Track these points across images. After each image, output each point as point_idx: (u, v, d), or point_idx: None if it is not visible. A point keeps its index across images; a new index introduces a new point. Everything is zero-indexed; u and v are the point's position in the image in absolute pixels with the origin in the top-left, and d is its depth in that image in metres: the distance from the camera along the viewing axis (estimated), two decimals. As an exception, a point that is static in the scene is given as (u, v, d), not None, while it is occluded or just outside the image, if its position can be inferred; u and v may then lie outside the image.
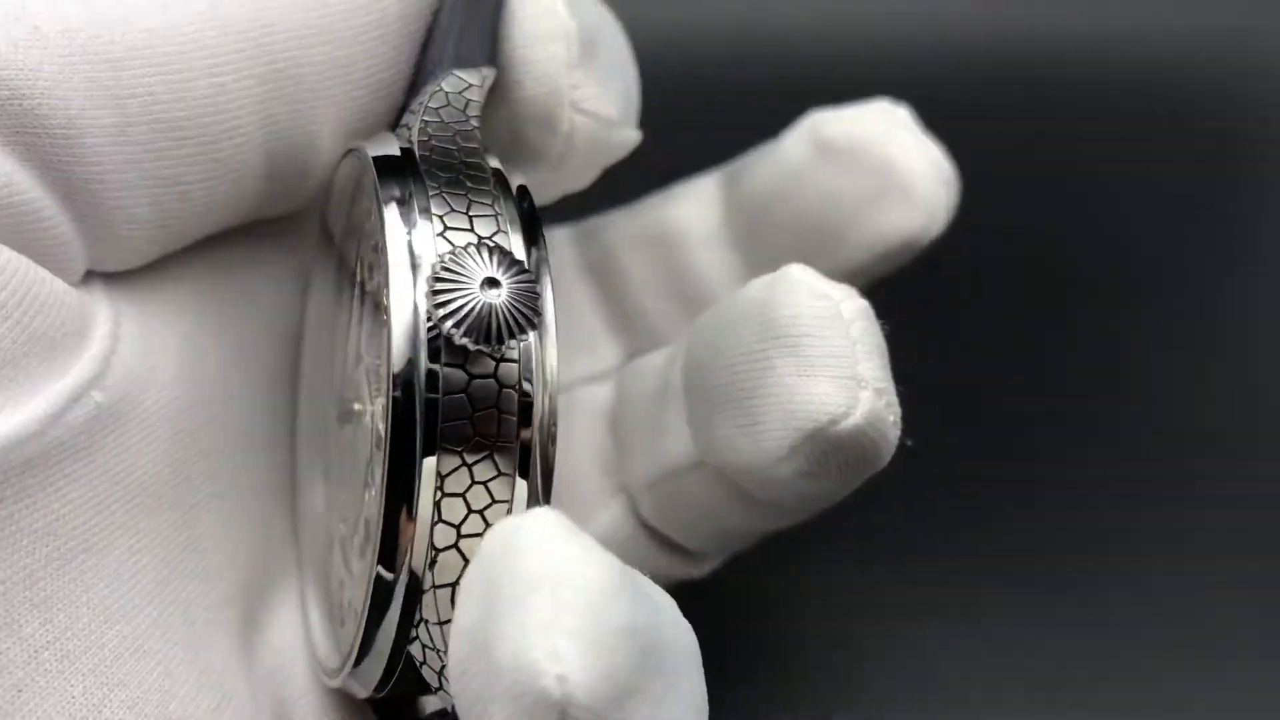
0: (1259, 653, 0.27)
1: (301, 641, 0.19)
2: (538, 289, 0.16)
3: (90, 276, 0.18)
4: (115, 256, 0.18)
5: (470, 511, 0.16)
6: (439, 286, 0.15)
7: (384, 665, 0.17)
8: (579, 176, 0.21)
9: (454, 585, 0.16)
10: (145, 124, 0.17)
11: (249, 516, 0.20)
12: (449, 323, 0.15)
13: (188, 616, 0.18)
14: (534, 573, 0.14)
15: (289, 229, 0.21)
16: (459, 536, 0.16)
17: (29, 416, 0.16)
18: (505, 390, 0.16)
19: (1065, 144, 0.35)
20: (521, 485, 0.16)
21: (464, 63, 0.19)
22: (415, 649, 0.16)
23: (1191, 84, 0.36)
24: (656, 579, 0.21)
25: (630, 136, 0.21)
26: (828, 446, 0.17)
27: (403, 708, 0.18)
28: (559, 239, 0.25)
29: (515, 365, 0.16)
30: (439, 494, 0.16)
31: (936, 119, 0.24)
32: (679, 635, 0.15)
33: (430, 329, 0.15)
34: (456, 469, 0.16)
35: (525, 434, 0.16)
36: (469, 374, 0.16)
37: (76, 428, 0.17)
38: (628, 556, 0.20)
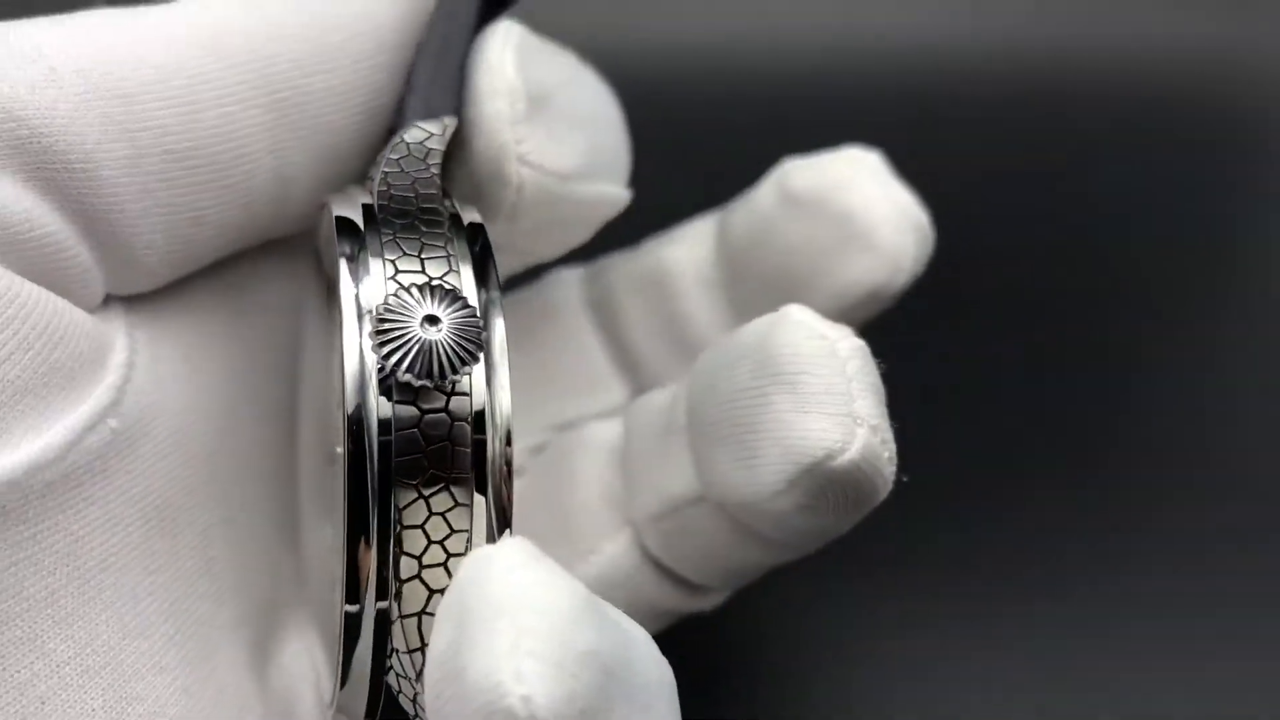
0: (1263, 654, 0.27)
1: (309, 669, 0.20)
2: (480, 323, 0.16)
3: (109, 300, 0.19)
4: (133, 280, 0.19)
5: (430, 542, 0.16)
6: (382, 327, 0.16)
7: (366, 696, 0.17)
8: (568, 233, 0.22)
9: (420, 614, 0.16)
10: (157, 155, 0.18)
11: (259, 542, 0.20)
12: (391, 360, 0.16)
13: (202, 635, 0.19)
14: (499, 598, 0.14)
15: (293, 256, 0.21)
16: (421, 567, 0.16)
17: (49, 443, 0.17)
18: (457, 423, 0.16)
19: (1063, 155, 0.35)
20: (480, 514, 0.16)
21: (430, 113, 0.19)
22: (391, 679, 0.17)
23: (1189, 96, 0.36)
24: (663, 612, 0.22)
25: (606, 192, 0.21)
26: (824, 481, 0.18)
27: None
28: (570, 279, 0.25)
29: (467, 398, 0.16)
30: (398, 527, 0.16)
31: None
32: (651, 666, 0.15)
33: (379, 369, 0.16)
34: (413, 502, 0.16)
35: (482, 463, 0.16)
36: (420, 410, 0.16)
37: (93, 452, 0.17)
38: (633, 590, 0.21)
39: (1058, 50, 0.37)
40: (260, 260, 0.21)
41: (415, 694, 0.17)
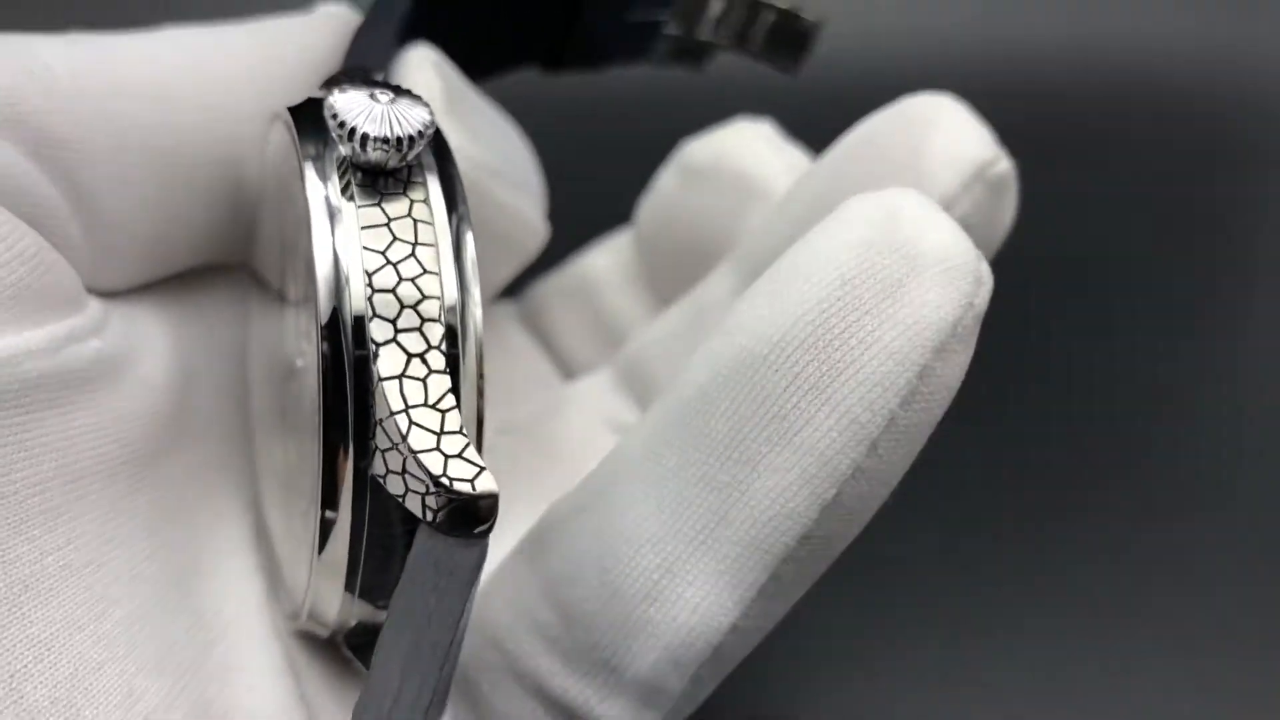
0: (1263, 659, 0.27)
1: (266, 609, 0.21)
2: (426, 107, 0.17)
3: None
4: (111, 272, 0.21)
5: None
6: (335, 107, 0.17)
7: (348, 539, 0.17)
8: (492, 247, 0.23)
9: (400, 377, 0.16)
10: (140, 149, 0.20)
11: (227, 495, 0.21)
12: (347, 127, 0.16)
13: (177, 562, 0.20)
14: None
15: (235, 276, 0.23)
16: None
17: (39, 335, 0.18)
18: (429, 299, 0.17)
19: (1075, 152, 0.36)
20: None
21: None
22: (395, 485, 0.16)
23: (1196, 94, 0.36)
24: None
25: (527, 209, 0.23)
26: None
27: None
28: (504, 306, 0.28)
29: (436, 278, 0.17)
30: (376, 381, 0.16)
31: None
32: None
33: (339, 163, 0.17)
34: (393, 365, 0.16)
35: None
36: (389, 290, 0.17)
37: (84, 360, 0.18)
38: None
39: (1058, 52, 0.37)
40: (209, 277, 0.23)
41: (403, 460, 0.16)
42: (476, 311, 0.17)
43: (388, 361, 0.16)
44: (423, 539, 0.16)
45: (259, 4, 0.25)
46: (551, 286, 0.28)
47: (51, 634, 0.17)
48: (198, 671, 0.19)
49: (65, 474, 0.18)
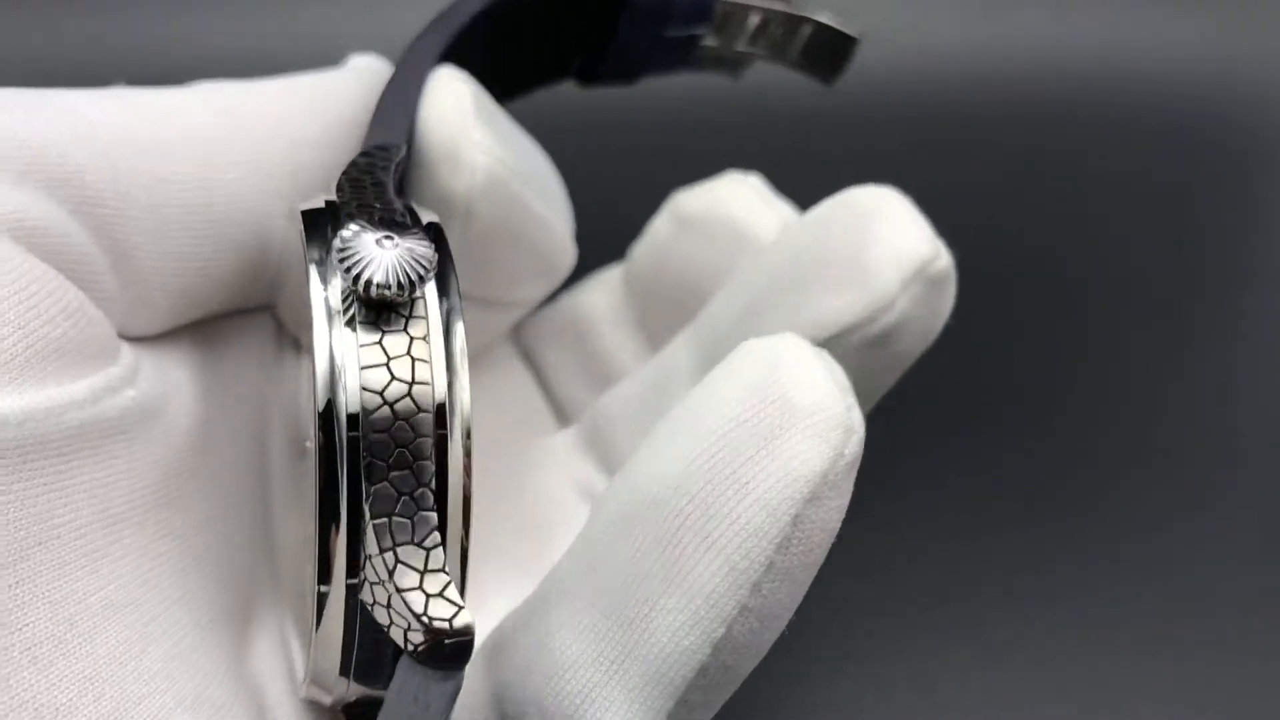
0: (1256, 659, 0.28)
1: (281, 665, 0.21)
2: (429, 241, 0.18)
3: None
4: (142, 321, 0.21)
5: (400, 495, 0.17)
6: (344, 253, 0.17)
7: (339, 652, 0.18)
8: (520, 257, 0.24)
9: (393, 549, 0.17)
10: (176, 206, 0.21)
11: (240, 545, 0.22)
12: (351, 274, 0.17)
13: (201, 604, 0.21)
14: None
15: (256, 320, 0.24)
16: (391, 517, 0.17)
17: (80, 387, 0.19)
18: (421, 414, 0.17)
19: (1064, 169, 0.36)
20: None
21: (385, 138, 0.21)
22: (366, 593, 0.17)
23: (1195, 108, 0.37)
24: None
25: (556, 222, 0.23)
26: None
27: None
28: (508, 351, 0.28)
29: (429, 388, 0.17)
30: (369, 498, 0.17)
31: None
32: None
33: (344, 296, 0.17)
34: (379, 484, 0.17)
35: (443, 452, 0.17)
36: (385, 400, 0.17)
37: (119, 409, 0.19)
38: None
39: (1057, 65, 0.38)
40: (232, 320, 0.24)
41: (389, 596, 0.17)
42: (468, 445, 0.18)
43: (379, 502, 0.17)
44: (404, 668, 0.17)
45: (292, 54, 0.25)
46: (545, 322, 0.28)
47: (96, 670, 0.18)
48: (228, 712, 0.20)
49: (103, 518, 0.19)
